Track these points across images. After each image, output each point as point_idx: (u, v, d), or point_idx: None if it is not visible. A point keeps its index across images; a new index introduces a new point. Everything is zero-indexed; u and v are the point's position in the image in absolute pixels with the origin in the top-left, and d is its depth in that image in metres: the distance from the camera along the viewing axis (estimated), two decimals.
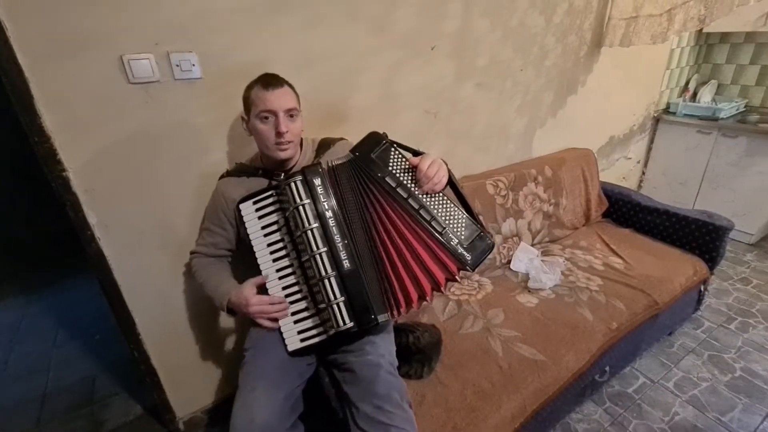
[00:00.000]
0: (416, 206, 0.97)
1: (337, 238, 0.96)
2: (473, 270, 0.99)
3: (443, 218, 0.97)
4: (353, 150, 1.00)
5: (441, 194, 0.99)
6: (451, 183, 1.02)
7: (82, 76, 1.01)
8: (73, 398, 1.79)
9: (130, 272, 1.24)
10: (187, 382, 1.50)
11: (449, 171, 1.01)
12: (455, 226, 0.98)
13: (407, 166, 0.99)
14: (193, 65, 1.12)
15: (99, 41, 1.00)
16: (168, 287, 1.33)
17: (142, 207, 1.20)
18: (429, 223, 0.96)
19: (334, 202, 0.98)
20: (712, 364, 1.75)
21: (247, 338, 1.11)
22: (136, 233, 1.21)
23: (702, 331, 1.94)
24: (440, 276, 0.98)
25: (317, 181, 0.96)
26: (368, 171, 0.97)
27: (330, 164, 1.00)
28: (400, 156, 1.00)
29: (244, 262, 1.18)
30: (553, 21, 1.87)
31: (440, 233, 0.96)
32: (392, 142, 1.02)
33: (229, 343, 1.54)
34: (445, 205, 0.98)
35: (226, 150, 1.28)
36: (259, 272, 1.06)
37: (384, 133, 1.03)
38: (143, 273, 1.26)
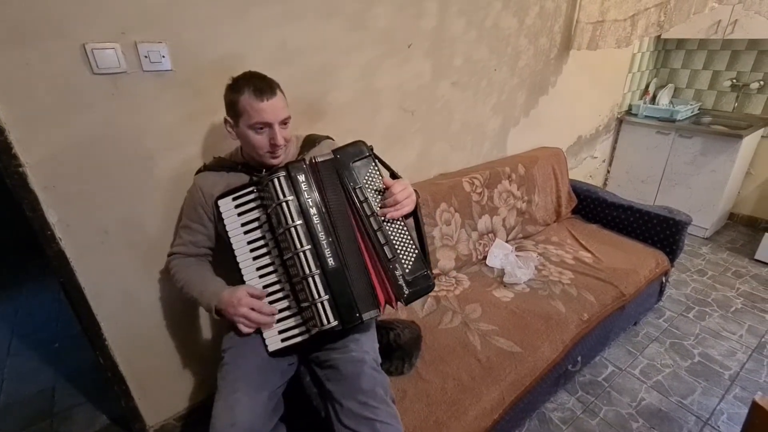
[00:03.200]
0: (375, 227, 0.97)
1: (322, 235, 0.95)
2: (406, 305, 1.00)
3: (397, 246, 0.98)
4: (335, 151, 0.99)
5: (402, 224, 1.00)
6: (416, 217, 1.04)
7: (41, 66, 0.95)
8: (31, 411, 1.68)
9: (94, 274, 1.17)
10: (158, 388, 1.43)
11: (418, 204, 1.02)
12: (405, 257, 0.98)
13: (381, 187, 0.99)
14: (164, 57, 1.08)
15: (59, 28, 0.94)
16: (137, 289, 1.27)
17: (108, 205, 1.13)
18: (382, 246, 0.97)
19: (318, 198, 0.96)
20: (674, 351, 1.85)
21: (225, 339, 1.07)
22: (102, 233, 1.15)
23: (664, 320, 2.05)
24: (381, 297, 0.99)
25: (301, 178, 0.94)
26: (342, 177, 0.97)
27: (313, 160, 0.98)
28: (377, 173, 1.00)
29: (220, 260, 1.14)
30: (525, 23, 1.92)
31: (388, 259, 0.97)
32: (375, 156, 1.01)
33: (204, 345, 1.48)
34: (402, 235, 0.99)
35: (199, 145, 1.23)
36: (236, 269, 1.02)
37: (370, 146, 1.02)
38: (109, 275, 1.20)
